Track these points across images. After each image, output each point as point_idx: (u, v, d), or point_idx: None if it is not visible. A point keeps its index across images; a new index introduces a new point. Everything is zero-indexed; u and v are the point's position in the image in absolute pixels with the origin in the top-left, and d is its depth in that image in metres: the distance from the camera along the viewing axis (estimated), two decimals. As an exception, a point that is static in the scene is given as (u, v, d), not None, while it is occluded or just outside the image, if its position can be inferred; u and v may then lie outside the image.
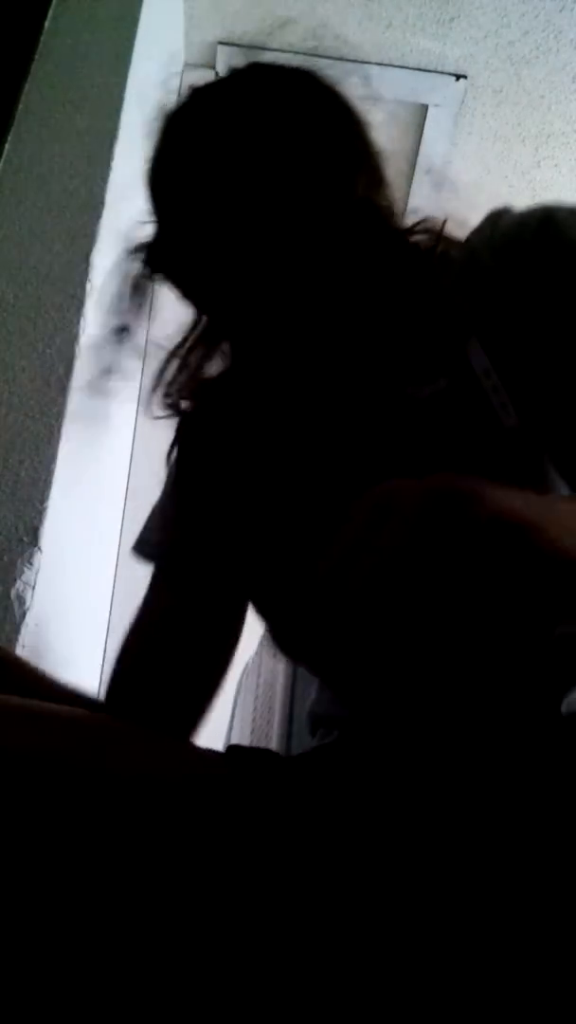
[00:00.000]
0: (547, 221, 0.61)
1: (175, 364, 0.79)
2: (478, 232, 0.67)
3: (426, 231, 0.71)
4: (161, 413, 0.80)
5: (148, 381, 0.80)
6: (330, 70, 0.73)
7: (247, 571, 0.73)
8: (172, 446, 0.82)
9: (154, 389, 0.79)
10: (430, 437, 0.62)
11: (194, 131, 0.71)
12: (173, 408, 0.80)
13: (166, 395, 0.80)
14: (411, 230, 0.71)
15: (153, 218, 0.75)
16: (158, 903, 0.50)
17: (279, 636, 0.72)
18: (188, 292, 0.72)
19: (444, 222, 0.70)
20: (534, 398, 0.59)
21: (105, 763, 0.54)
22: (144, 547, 0.85)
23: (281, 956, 0.51)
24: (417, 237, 0.71)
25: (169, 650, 0.79)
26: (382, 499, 0.38)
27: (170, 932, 0.49)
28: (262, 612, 0.74)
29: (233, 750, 0.65)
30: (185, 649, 0.78)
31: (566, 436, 0.58)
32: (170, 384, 0.79)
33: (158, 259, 0.73)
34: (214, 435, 0.78)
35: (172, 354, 0.80)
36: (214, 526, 0.77)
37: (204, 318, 0.78)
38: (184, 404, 0.80)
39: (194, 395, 0.80)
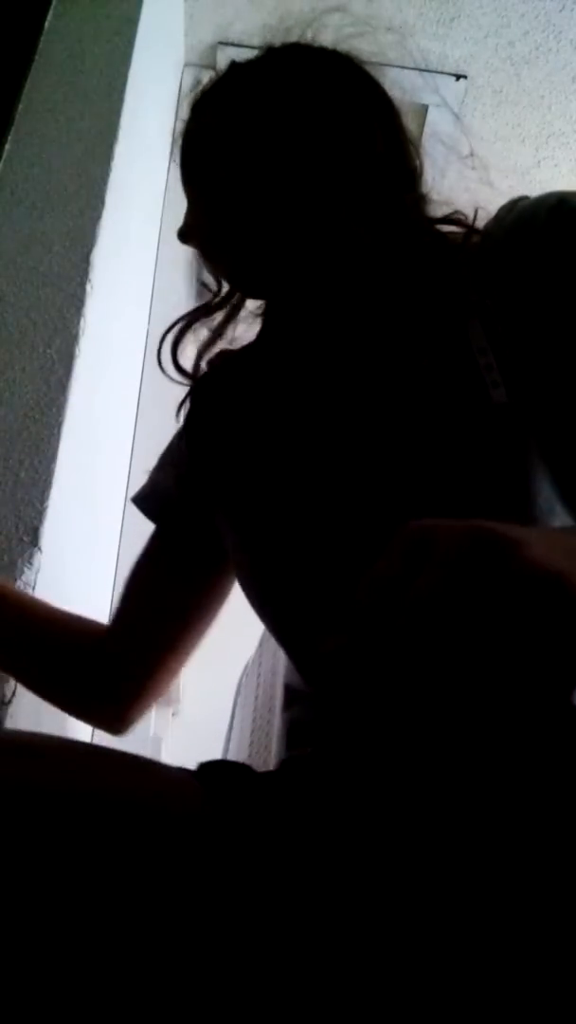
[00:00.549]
0: (559, 205, 0.62)
1: (205, 330, 0.83)
2: (496, 219, 0.68)
3: (455, 221, 0.72)
4: (177, 376, 0.83)
5: (167, 343, 0.83)
6: (367, 47, 0.75)
7: (265, 580, 0.73)
8: (183, 402, 0.84)
9: (173, 352, 0.82)
10: (424, 406, 0.63)
11: (227, 106, 0.73)
12: (190, 373, 0.83)
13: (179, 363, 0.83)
14: (440, 220, 0.72)
15: (185, 190, 0.77)
16: (125, 922, 0.50)
17: (302, 664, 0.72)
18: (216, 262, 0.76)
19: (476, 212, 0.71)
20: (526, 378, 0.60)
21: (75, 785, 0.55)
22: (143, 501, 0.88)
23: (251, 973, 0.51)
24: (446, 227, 0.72)
25: (149, 603, 0.84)
26: (419, 536, 0.37)
27: (137, 949, 0.50)
28: (280, 633, 0.74)
29: (206, 766, 0.66)
30: (163, 605, 0.83)
31: (552, 416, 0.59)
32: (201, 349, 0.83)
33: (188, 231, 0.77)
34: (226, 399, 0.80)
35: (191, 319, 0.83)
36: (214, 488, 0.78)
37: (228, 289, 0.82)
38: (203, 368, 0.83)
39: (212, 362, 0.83)
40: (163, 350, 0.82)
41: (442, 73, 1.99)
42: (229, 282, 0.79)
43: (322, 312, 0.72)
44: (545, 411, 0.60)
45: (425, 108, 2.01)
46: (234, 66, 0.76)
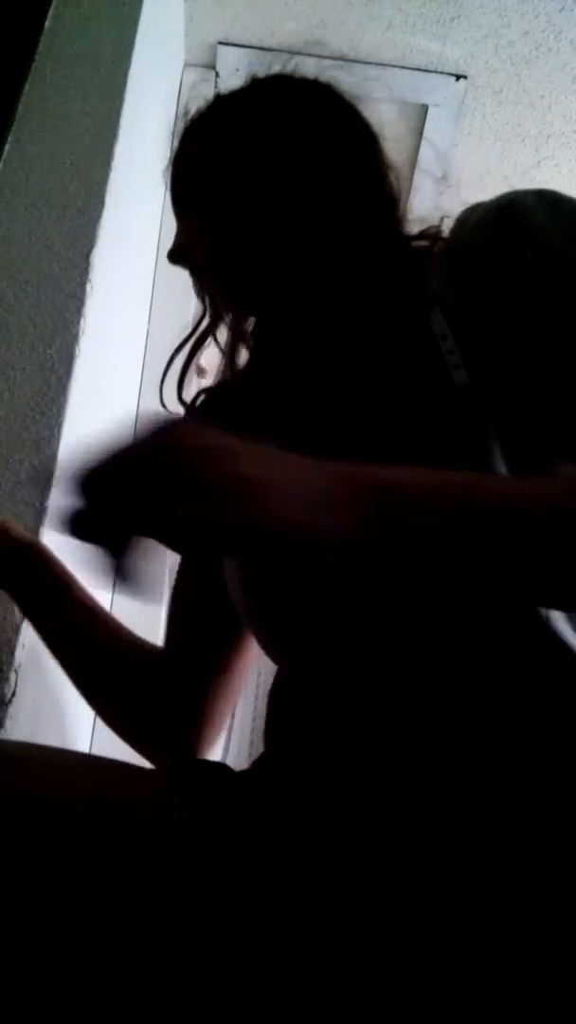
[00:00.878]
0: (509, 204, 0.66)
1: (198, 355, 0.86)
2: (459, 221, 0.72)
3: (429, 236, 0.76)
4: (174, 403, 0.85)
5: (166, 371, 0.85)
6: (348, 78, 0.80)
7: None
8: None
9: (181, 377, 0.85)
10: (390, 389, 0.67)
11: (215, 133, 0.78)
12: (188, 402, 0.86)
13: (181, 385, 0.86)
14: (415, 236, 0.76)
15: (175, 212, 0.82)
16: (111, 929, 0.50)
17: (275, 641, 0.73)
18: (204, 281, 0.80)
19: (441, 220, 0.76)
20: (485, 362, 0.64)
21: (60, 794, 0.55)
22: None
23: (244, 973, 0.51)
24: (420, 243, 0.76)
25: (189, 625, 0.84)
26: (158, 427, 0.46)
27: (110, 953, 0.50)
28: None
29: (182, 764, 0.67)
30: (202, 625, 0.83)
31: (509, 397, 0.62)
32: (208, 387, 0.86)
33: (178, 252, 0.81)
34: (220, 402, 0.84)
35: (191, 353, 0.85)
36: None
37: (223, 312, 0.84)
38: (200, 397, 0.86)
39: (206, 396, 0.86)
40: (165, 387, 0.84)
41: (442, 73, 1.99)
42: (222, 297, 0.81)
43: (303, 319, 0.76)
44: (501, 393, 0.63)
45: (425, 108, 2.01)
46: (220, 97, 0.82)
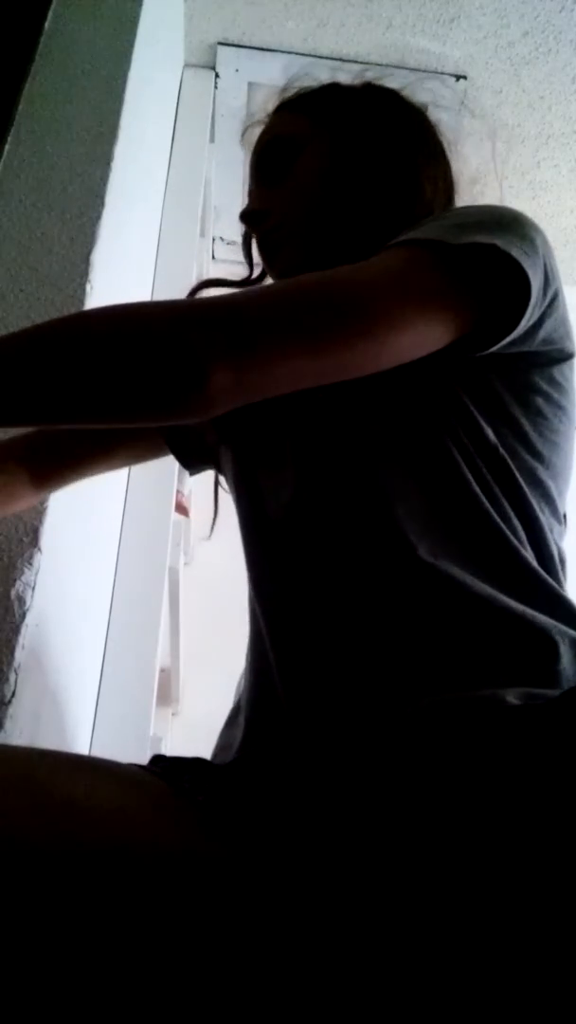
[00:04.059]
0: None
1: None
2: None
3: None
4: None
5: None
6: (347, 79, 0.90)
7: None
8: None
9: None
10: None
11: (331, 123, 0.85)
12: None
13: None
14: None
15: (256, 177, 0.88)
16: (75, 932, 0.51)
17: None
18: (272, 252, 0.86)
19: None
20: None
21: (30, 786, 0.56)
22: None
23: (244, 969, 0.52)
24: None
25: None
26: None
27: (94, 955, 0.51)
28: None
29: (157, 759, 0.68)
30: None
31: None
32: None
33: (258, 216, 0.86)
34: None
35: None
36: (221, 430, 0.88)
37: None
38: None
39: None
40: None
41: (442, 73, 1.99)
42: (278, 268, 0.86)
43: None
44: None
45: (425, 108, 2.01)
46: (335, 87, 0.90)
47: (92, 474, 0.93)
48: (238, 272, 0.96)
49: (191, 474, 1.00)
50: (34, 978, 0.49)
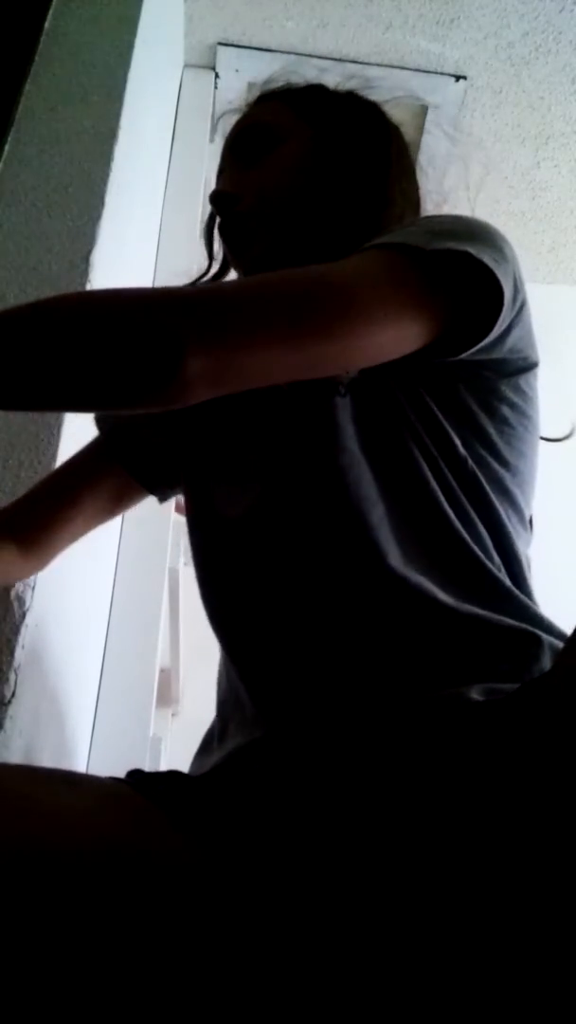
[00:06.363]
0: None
1: None
2: None
3: None
4: None
5: None
6: (347, 80, 0.91)
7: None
8: None
9: None
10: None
11: (312, 117, 0.86)
12: None
13: None
14: None
15: (230, 161, 0.88)
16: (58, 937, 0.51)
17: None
18: (233, 235, 0.86)
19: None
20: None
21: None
22: (101, 422, 0.95)
23: (239, 970, 0.52)
24: None
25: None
26: None
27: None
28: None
29: (133, 773, 0.68)
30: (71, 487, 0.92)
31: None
32: None
33: (227, 199, 0.85)
34: None
35: None
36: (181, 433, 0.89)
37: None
38: None
39: None
40: None
41: (442, 74, 1.99)
42: (243, 255, 0.85)
43: None
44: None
45: (425, 108, 2.02)
46: (321, 88, 0.91)
47: (75, 530, 0.92)
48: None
49: (160, 501, 0.99)
50: (13, 980, 0.49)
